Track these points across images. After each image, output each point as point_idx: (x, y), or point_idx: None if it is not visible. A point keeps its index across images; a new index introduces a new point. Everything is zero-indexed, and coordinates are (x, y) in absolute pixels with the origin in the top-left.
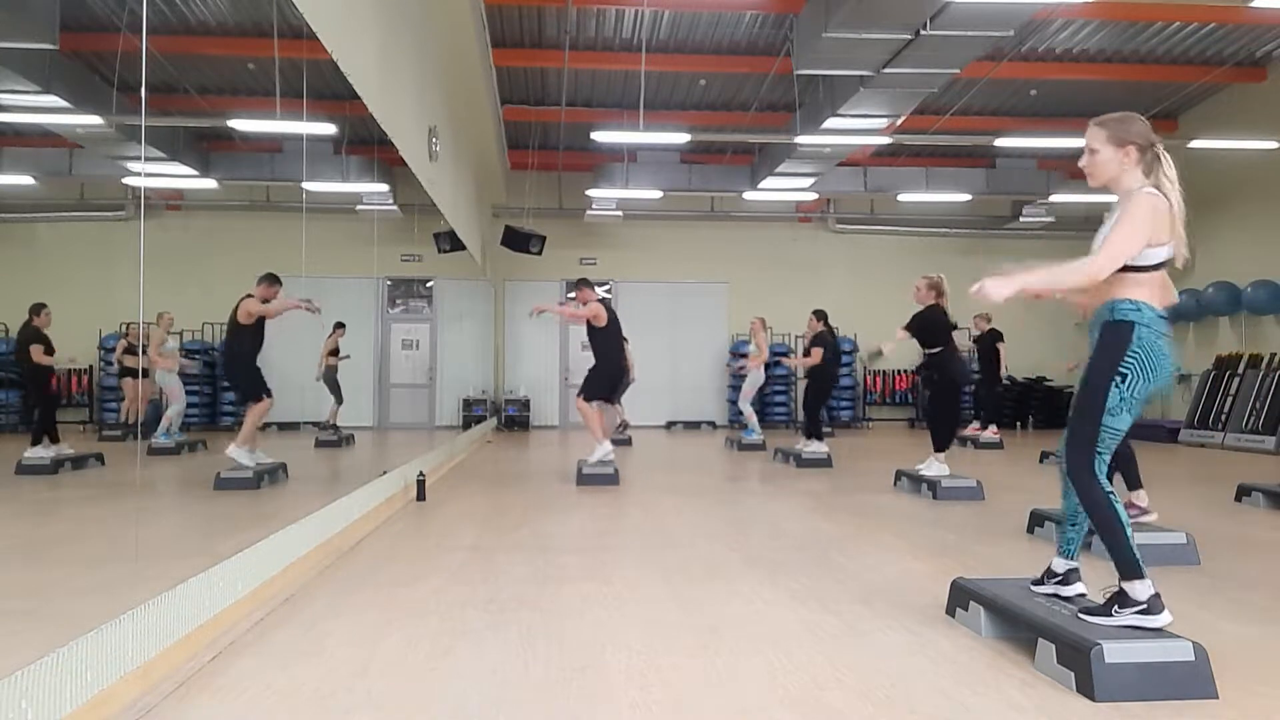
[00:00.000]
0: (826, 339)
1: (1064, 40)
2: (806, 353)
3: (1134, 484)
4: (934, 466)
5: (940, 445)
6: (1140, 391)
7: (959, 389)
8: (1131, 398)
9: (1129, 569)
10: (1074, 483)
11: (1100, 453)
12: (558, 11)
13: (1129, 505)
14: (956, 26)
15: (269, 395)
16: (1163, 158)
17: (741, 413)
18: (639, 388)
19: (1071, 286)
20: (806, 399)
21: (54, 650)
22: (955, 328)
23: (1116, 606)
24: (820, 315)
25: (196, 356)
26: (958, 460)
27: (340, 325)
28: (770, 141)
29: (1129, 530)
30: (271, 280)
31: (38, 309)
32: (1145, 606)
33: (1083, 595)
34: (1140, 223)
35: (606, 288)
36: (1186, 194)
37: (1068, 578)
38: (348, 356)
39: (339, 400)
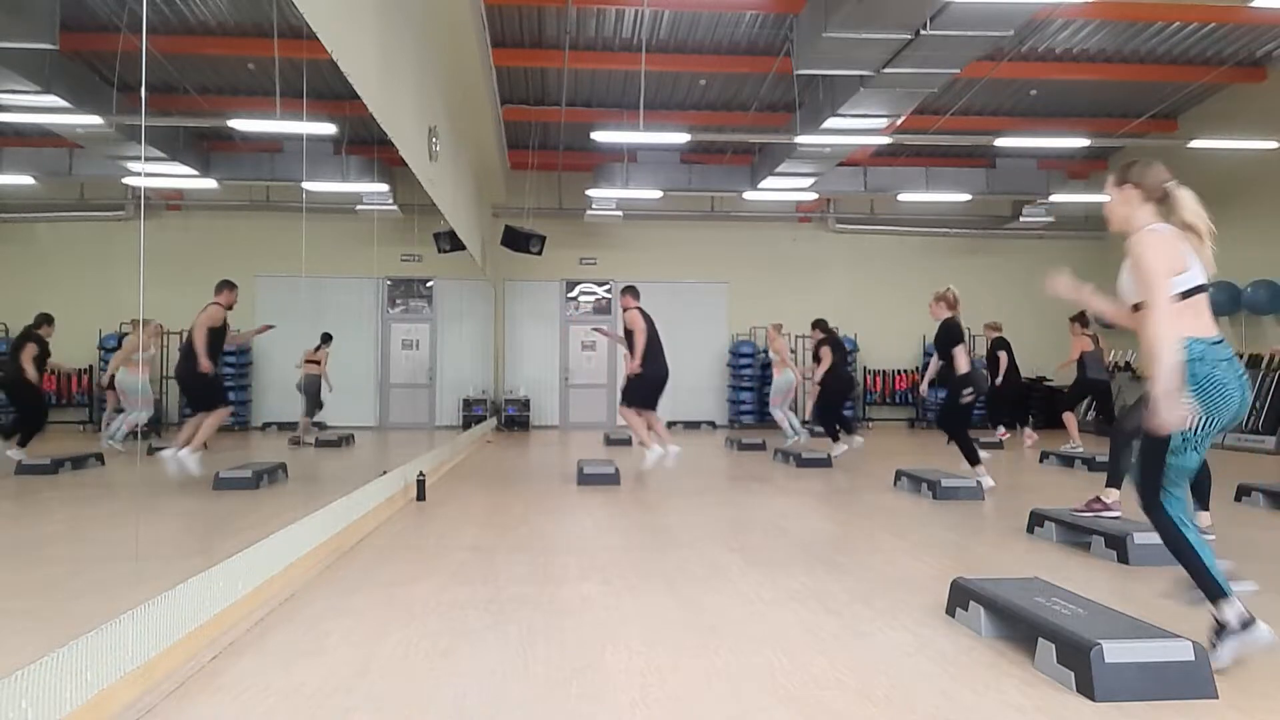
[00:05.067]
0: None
1: (1064, 40)
2: (816, 359)
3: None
4: None
5: None
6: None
7: None
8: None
9: (1208, 591)
10: (1148, 518)
11: (1168, 489)
12: (558, 11)
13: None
14: (956, 26)
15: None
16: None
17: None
18: None
19: (1170, 364)
20: (819, 404)
21: (54, 650)
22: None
23: (1215, 638)
24: (818, 324)
25: None
26: (960, 459)
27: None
28: (770, 141)
29: (1202, 554)
30: (232, 286)
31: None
32: (1236, 628)
33: None
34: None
35: (606, 288)
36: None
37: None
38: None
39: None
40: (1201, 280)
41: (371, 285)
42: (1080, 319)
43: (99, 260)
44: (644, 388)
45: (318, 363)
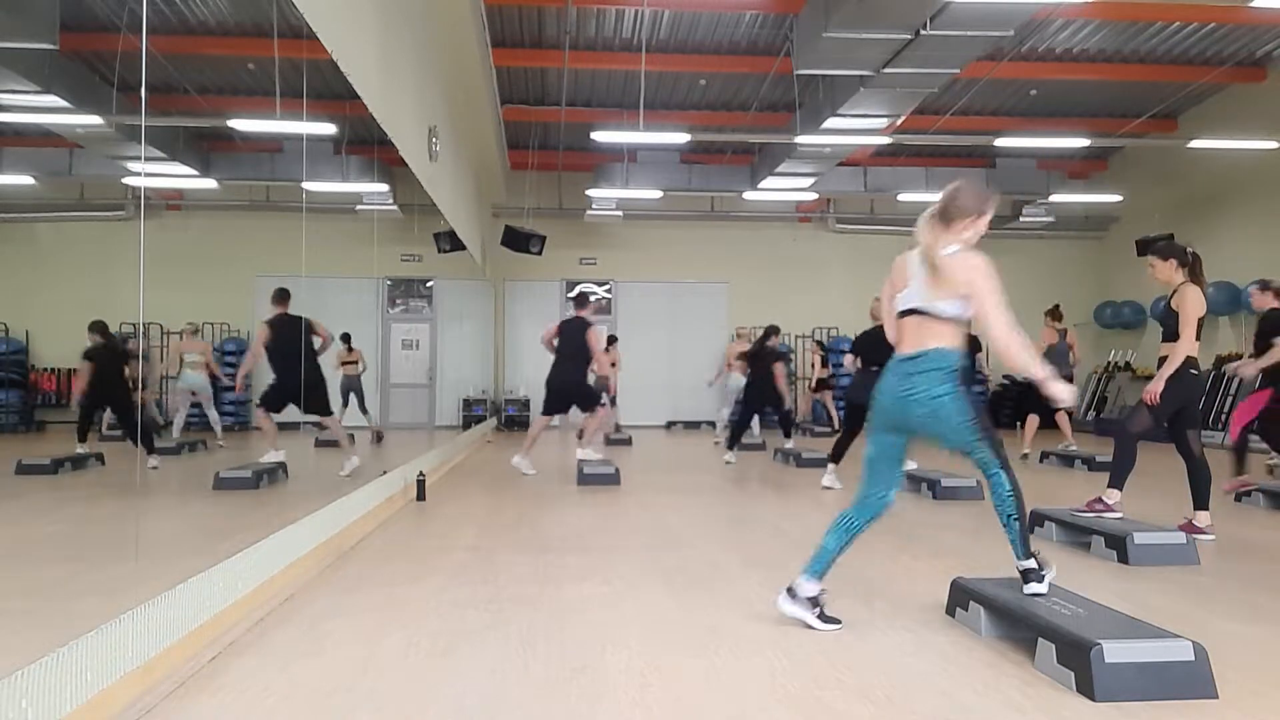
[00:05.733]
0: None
1: (1064, 40)
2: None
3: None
4: None
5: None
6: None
7: None
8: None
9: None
10: None
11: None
12: (558, 11)
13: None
14: (956, 26)
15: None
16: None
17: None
18: (639, 387)
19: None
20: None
21: (54, 650)
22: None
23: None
24: (766, 332)
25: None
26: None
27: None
28: (770, 141)
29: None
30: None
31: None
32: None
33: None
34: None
35: (606, 288)
36: (1187, 194)
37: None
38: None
39: (344, 407)
40: (904, 306)
41: (371, 285)
42: (1053, 312)
43: (99, 260)
44: (545, 394)
45: (354, 362)
